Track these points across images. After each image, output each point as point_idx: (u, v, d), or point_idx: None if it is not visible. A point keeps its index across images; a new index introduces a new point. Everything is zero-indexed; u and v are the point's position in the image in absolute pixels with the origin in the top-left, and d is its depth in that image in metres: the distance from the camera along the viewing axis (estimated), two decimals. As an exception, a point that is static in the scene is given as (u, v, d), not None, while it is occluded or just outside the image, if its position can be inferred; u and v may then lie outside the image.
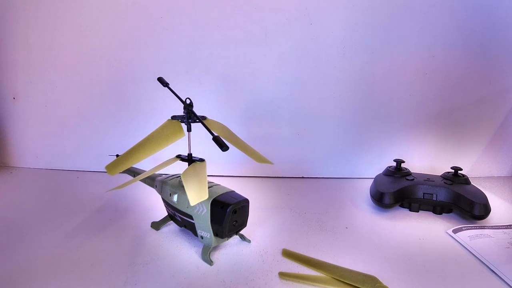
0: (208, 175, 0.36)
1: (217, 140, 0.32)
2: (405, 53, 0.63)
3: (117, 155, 0.48)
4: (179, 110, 0.38)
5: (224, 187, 0.40)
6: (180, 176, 0.42)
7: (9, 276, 0.34)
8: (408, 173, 0.57)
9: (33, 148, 0.72)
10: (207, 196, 0.32)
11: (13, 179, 0.67)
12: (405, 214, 0.52)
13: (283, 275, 0.35)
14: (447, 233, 0.45)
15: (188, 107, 0.37)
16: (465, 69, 0.64)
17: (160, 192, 0.44)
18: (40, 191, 0.60)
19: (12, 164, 0.74)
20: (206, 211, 0.37)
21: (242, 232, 0.40)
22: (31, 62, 0.67)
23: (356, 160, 0.69)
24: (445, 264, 0.38)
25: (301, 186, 0.66)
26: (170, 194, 0.41)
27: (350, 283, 0.33)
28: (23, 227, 0.45)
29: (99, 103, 0.68)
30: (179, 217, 0.41)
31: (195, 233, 0.39)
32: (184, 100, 0.37)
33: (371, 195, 0.55)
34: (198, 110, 0.38)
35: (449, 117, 0.67)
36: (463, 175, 0.54)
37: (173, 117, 0.38)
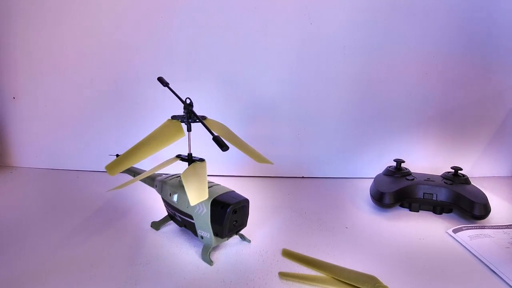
0: (208, 175, 0.36)
1: (217, 140, 0.32)
2: (405, 53, 0.63)
3: (117, 155, 0.48)
4: (179, 110, 0.38)
5: (224, 187, 0.40)
6: (180, 176, 0.42)
7: (9, 276, 0.34)
8: (408, 173, 0.57)
9: (33, 148, 0.72)
10: (207, 196, 0.32)
11: (13, 179, 0.67)
12: (405, 214, 0.52)
13: (283, 275, 0.35)
14: (447, 233, 0.45)
15: (188, 107, 0.37)
16: (465, 68, 0.64)
17: (160, 192, 0.44)
18: (40, 191, 0.60)
19: (12, 164, 0.74)
20: (206, 211, 0.37)
21: (242, 232, 0.40)
22: (31, 62, 0.67)
23: (356, 160, 0.69)
24: (445, 264, 0.38)
25: (301, 186, 0.66)
26: (170, 194, 0.41)
27: (350, 283, 0.33)
28: (23, 227, 0.45)
29: (99, 103, 0.68)
30: (179, 217, 0.41)
31: (195, 233, 0.39)
32: (184, 100, 0.37)
33: (371, 195, 0.55)
34: (198, 110, 0.38)
35: (449, 117, 0.67)
36: (463, 175, 0.54)
37: (173, 117, 0.38)
